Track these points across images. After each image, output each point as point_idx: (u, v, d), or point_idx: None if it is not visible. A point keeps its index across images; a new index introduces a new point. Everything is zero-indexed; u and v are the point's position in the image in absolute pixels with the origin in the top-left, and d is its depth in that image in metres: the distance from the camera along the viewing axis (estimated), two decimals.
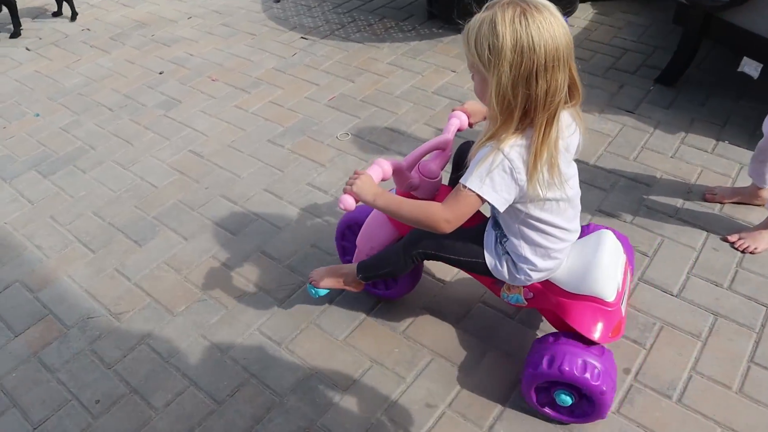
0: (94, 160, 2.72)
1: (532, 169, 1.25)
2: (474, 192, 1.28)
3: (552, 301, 1.55)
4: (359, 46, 3.44)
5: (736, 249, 2.08)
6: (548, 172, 1.27)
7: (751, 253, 2.05)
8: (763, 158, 2.11)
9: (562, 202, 1.38)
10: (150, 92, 3.18)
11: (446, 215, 1.33)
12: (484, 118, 1.61)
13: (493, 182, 1.26)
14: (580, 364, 1.47)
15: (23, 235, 2.36)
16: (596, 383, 1.46)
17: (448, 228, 1.35)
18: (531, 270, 1.46)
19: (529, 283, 1.52)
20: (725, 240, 2.10)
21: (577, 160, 1.42)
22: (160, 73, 3.35)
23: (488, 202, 1.30)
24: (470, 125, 1.67)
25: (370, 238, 1.76)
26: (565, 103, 1.26)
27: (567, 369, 1.47)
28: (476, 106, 1.64)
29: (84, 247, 2.28)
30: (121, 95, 3.18)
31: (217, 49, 3.54)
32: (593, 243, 1.54)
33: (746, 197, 2.23)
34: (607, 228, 1.66)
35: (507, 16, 1.16)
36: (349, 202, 1.41)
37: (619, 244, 1.59)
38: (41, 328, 1.99)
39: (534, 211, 1.37)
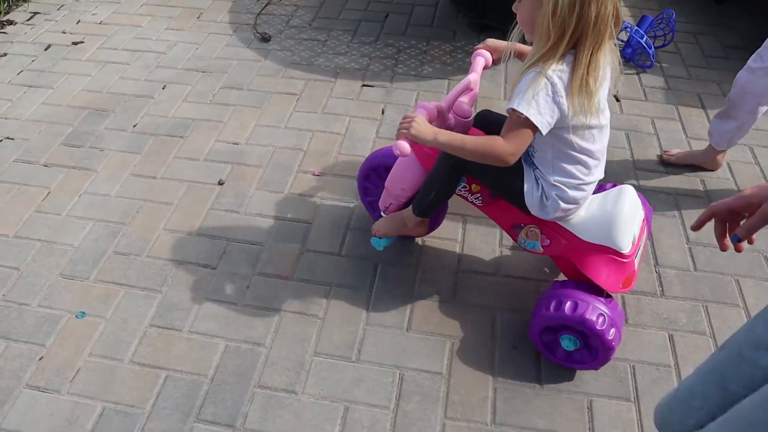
0: (280, 383, 1.65)
1: (576, 93, 1.32)
2: (524, 115, 1.32)
3: (567, 249, 1.59)
4: (446, 83, 2.71)
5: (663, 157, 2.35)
6: (588, 98, 1.33)
7: (666, 160, 2.33)
8: (729, 114, 2.13)
9: (596, 129, 1.44)
10: (236, 219, 2.07)
11: (510, 148, 1.37)
12: (516, 55, 1.61)
13: (538, 105, 1.32)
14: (582, 307, 1.52)
15: None
16: (598, 326, 1.50)
17: (513, 160, 1.39)
18: (559, 197, 1.49)
19: (555, 214, 1.52)
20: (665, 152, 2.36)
21: None
22: (220, 184, 2.20)
23: (535, 125, 1.33)
24: (494, 62, 1.66)
25: (401, 179, 1.75)
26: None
27: (569, 311, 1.51)
28: (496, 42, 1.65)
29: None
30: (197, 236, 2.00)
31: (265, 127, 2.46)
32: (614, 196, 1.57)
33: (702, 161, 2.30)
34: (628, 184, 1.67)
35: None
36: (405, 147, 1.41)
37: (639, 200, 1.62)
38: None
39: (569, 136, 1.42)
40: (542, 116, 1.33)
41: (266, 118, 2.50)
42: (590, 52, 1.30)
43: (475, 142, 1.42)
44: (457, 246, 1.99)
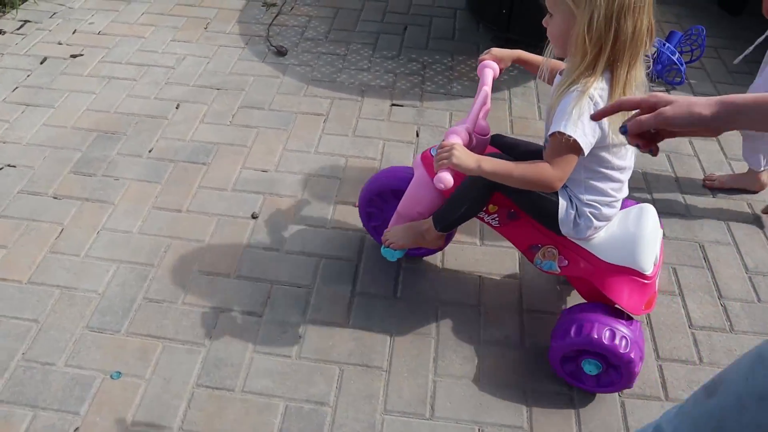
0: None
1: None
2: (572, 137, 1.27)
3: (588, 270, 1.54)
4: None
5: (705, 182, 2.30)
6: (623, 114, 1.30)
7: (709, 186, 2.28)
8: (751, 133, 2.10)
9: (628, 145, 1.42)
10: (276, 258, 1.90)
11: (558, 173, 1.33)
12: (521, 62, 1.61)
13: (584, 126, 1.28)
14: (609, 333, 1.48)
15: None
16: (624, 351, 1.47)
17: (560, 185, 1.35)
18: (593, 215, 1.46)
19: (587, 233, 1.48)
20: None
21: None
22: (254, 218, 2.02)
23: (581, 147, 1.29)
24: (500, 71, 1.61)
25: (418, 201, 1.67)
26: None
27: (596, 337, 1.47)
28: (502, 51, 1.60)
29: None
30: (236, 279, 1.82)
31: (294, 152, 2.28)
32: (635, 215, 1.54)
33: (746, 183, 2.27)
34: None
35: None
36: (449, 179, 1.35)
37: (658, 218, 1.58)
38: None
39: (605, 154, 1.39)
40: (586, 137, 1.29)
41: (294, 142, 2.33)
42: (627, 68, 1.28)
43: (522, 169, 1.36)
44: (516, 283, 1.87)
